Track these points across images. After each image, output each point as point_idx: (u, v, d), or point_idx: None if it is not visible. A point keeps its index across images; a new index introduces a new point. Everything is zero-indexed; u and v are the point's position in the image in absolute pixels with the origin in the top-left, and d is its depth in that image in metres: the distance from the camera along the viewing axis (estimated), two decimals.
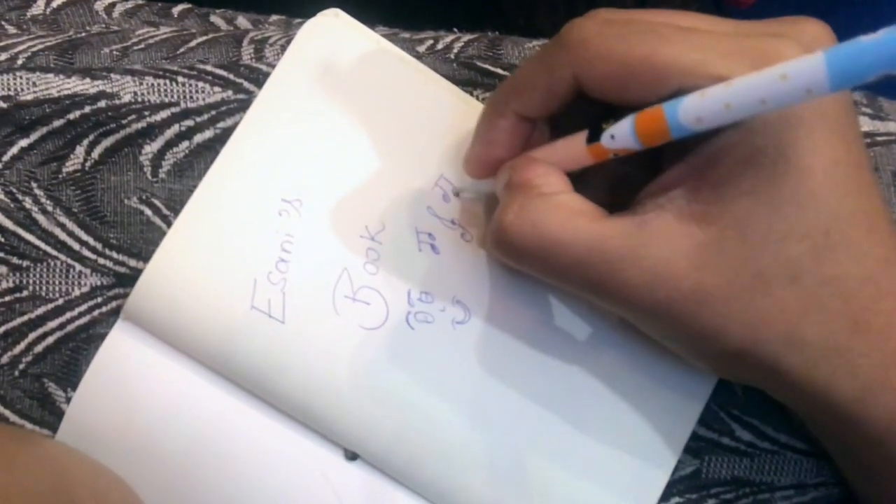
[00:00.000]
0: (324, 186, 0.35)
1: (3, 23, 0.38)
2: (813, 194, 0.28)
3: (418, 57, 0.37)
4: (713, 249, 0.28)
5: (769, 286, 0.28)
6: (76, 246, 0.35)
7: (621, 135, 0.28)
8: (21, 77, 0.35)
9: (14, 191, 0.35)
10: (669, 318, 0.29)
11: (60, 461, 0.32)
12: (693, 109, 0.26)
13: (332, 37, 0.36)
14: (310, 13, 0.37)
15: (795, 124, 0.28)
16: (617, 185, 0.33)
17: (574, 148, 0.30)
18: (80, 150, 0.35)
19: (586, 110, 0.30)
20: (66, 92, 0.35)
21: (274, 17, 0.41)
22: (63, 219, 0.35)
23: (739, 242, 0.28)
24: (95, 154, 0.35)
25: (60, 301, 0.35)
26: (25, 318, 0.35)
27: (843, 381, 0.29)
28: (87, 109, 0.35)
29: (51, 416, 0.35)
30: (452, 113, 0.36)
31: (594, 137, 0.29)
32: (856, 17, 1.08)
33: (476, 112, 0.35)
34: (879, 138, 0.37)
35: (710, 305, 0.28)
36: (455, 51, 0.38)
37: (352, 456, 0.35)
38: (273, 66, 0.36)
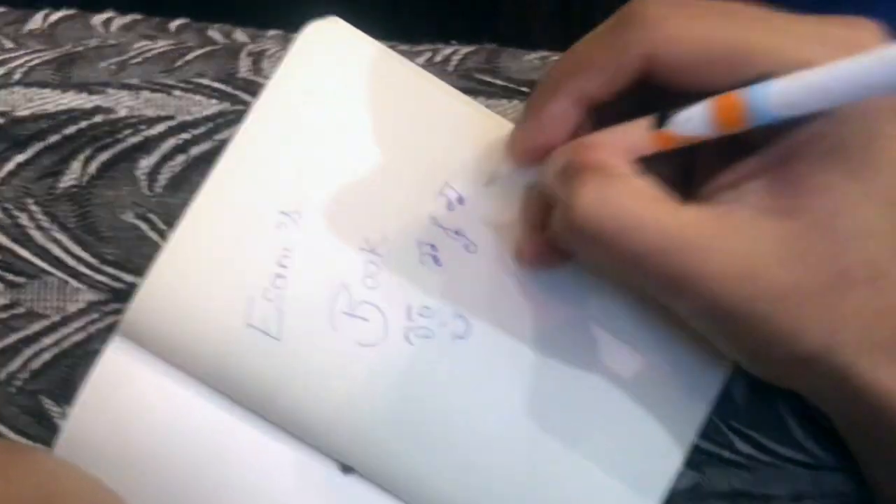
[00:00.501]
0: (323, 197, 0.35)
1: (0, 37, 0.38)
2: None
3: None
4: (796, 246, 0.27)
5: (850, 286, 0.27)
6: (71, 262, 0.35)
7: (693, 120, 0.27)
8: (17, 93, 0.35)
9: (9, 207, 0.35)
10: (744, 316, 0.28)
11: (53, 473, 0.32)
12: (785, 94, 0.25)
13: (329, 44, 0.36)
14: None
15: (881, 114, 0.27)
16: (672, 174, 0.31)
17: (633, 135, 0.29)
18: (76, 166, 0.35)
19: (631, 104, 0.29)
20: (62, 107, 0.35)
21: (272, 32, 0.41)
22: (58, 234, 0.35)
23: (822, 239, 0.27)
24: (91, 169, 0.35)
25: (56, 317, 0.35)
26: (21, 334, 0.35)
27: None
28: (84, 124, 0.35)
29: (47, 432, 0.35)
30: (455, 118, 0.35)
31: (662, 123, 0.28)
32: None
33: (479, 116, 0.35)
34: None
35: (788, 305, 0.27)
36: (453, 63, 0.38)
37: (347, 469, 0.35)
38: (269, 78, 0.36)
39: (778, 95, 0.25)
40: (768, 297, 0.27)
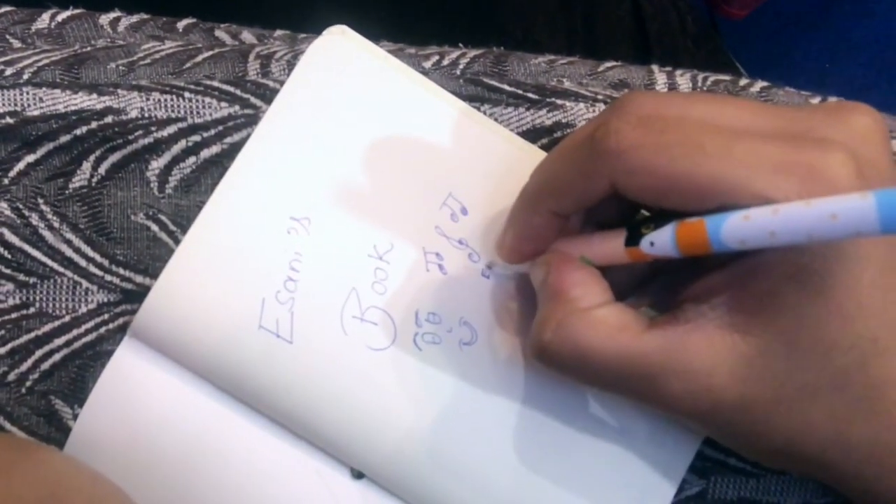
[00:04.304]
0: (332, 204, 0.35)
1: (7, 36, 0.38)
2: (860, 305, 0.27)
3: (424, 72, 0.37)
4: (757, 362, 0.28)
5: (815, 396, 0.28)
6: (83, 262, 0.35)
7: (661, 243, 0.28)
8: (28, 92, 0.35)
9: (20, 207, 0.35)
10: (714, 423, 0.30)
11: (57, 469, 0.32)
12: (736, 232, 0.25)
13: (339, 54, 0.36)
14: (313, 26, 0.37)
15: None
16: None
17: (611, 246, 0.30)
18: (86, 166, 0.35)
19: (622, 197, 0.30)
20: (72, 107, 0.35)
21: (279, 32, 0.41)
22: (69, 235, 0.35)
23: (784, 356, 0.28)
24: (102, 170, 0.35)
25: (67, 318, 0.35)
26: (32, 335, 0.35)
27: (892, 478, 0.29)
28: (94, 125, 0.35)
29: (57, 432, 0.35)
30: (460, 130, 0.36)
31: (633, 241, 0.29)
32: (846, 28, 1.08)
33: (483, 129, 0.35)
34: None
35: (753, 414, 0.28)
36: (461, 66, 0.38)
37: (358, 475, 0.35)
38: (279, 82, 0.36)
39: (730, 232, 0.26)
40: (730, 410, 0.29)
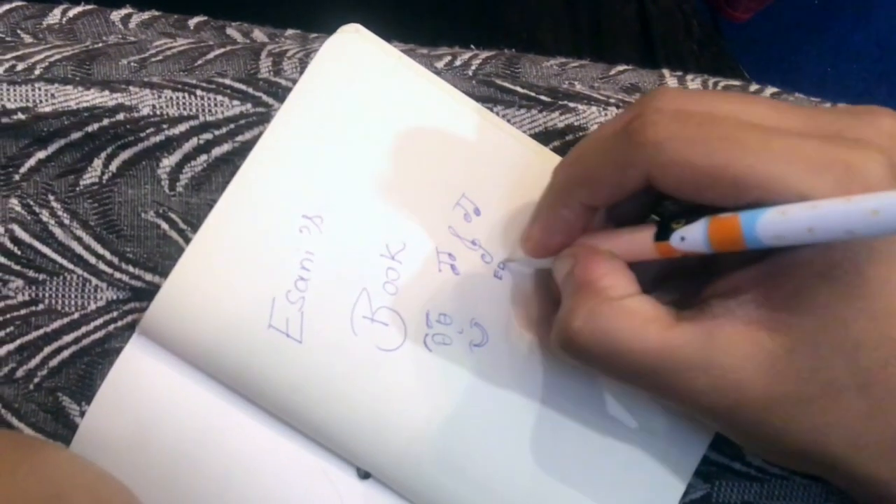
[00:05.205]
0: (345, 204, 0.35)
1: (19, 31, 0.38)
2: (888, 306, 0.27)
3: (437, 73, 0.37)
4: (783, 359, 0.28)
5: (838, 394, 0.28)
6: (92, 259, 0.35)
7: (692, 238, 0.28)
8: (40, 89, 0.35)
9: (31, 203, 0.35)
10: (735, 420, 0.29)
11: (63, 468, 0.32)
12: (773, 227, 0.25)
13: (353, 53, 0.36)
14: (321, 26, 0.37)
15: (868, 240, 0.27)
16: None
17: (640, 241, 0.30)
18: (97, 163, 0.35)
19: (648, 193, 0.30)
20: (84, 104, 0.35)
21: (290, 31, 0.41)
22: (80, 232, 0.35)
23: (810, 354, 0.28)
24: (113, 167, 0.35)
25: (76, 315, 0.35)
26: (41, 331, 0.35)
27: None
28: (106, 122, 0.35)
29: (65, 429, 0.35)
30: (474, 131, 0.36)
31: (663, 236, 0.29)
32: (847, 33, 1.09)
33: (497, 130, 0.35)
34: None
35: (776, 412, 0.29)
36: (473, 67, 0.38)
37: (364, 475, 0.35)
38: (291, 80, 0.36)
39: (766, 227, 0.26)
40: (754, 407, 0.29)
